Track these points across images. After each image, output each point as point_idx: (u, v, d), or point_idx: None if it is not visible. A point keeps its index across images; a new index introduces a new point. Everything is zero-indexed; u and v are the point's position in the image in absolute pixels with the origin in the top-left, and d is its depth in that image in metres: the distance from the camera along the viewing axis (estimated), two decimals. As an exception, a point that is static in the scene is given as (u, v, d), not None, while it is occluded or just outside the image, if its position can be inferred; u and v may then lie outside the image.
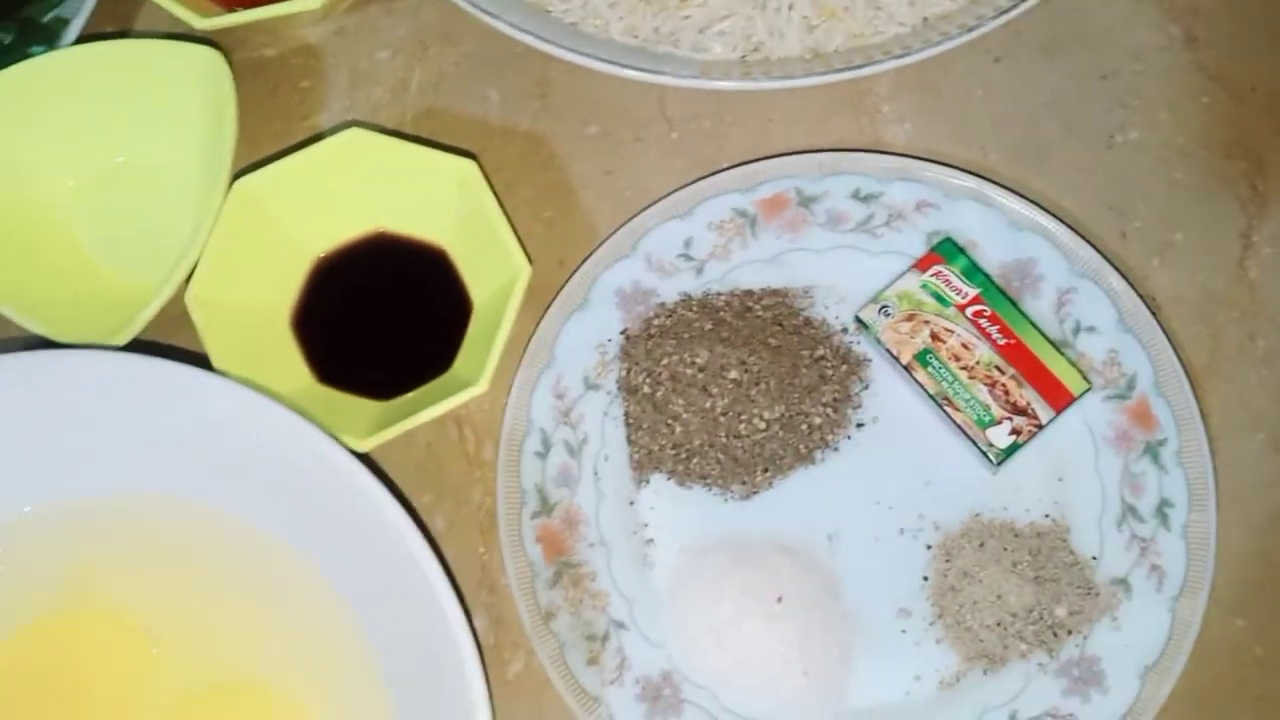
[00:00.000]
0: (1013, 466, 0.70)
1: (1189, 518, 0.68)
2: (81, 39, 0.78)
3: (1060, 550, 0.68)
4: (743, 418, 0.70)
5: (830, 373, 0.72)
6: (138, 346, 0.69)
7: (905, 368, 0.71)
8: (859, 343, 0.73)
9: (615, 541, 0.70)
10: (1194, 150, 0.78)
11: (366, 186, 0.74)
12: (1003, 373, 0.70)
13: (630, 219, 0.75)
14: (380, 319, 0.75)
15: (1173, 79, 0.79)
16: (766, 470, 0.71)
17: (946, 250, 0.72)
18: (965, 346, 0.70)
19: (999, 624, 0.67)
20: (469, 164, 0.73)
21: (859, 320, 0.72)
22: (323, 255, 0.76)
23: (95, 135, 0.78)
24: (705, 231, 0.75)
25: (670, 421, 0.71)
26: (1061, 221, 0.73)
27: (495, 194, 0.72)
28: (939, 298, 0.71)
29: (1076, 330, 0.72)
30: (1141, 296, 0.72)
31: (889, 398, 0.72)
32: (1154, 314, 0.72)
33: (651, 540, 0.71)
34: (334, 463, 0.65)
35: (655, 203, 0.75)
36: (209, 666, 0.68)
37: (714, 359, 0.71)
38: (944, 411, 0.70)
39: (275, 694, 0.68)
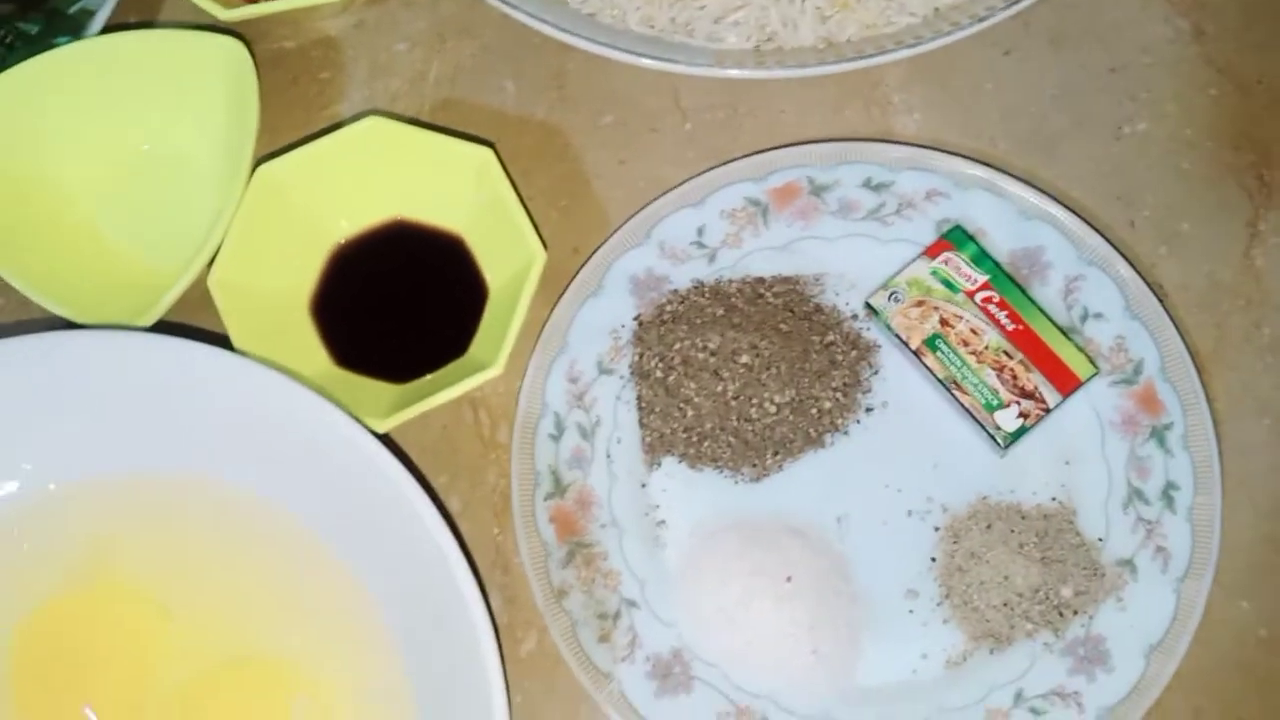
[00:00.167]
0: (1020, 450, 0.70)
1: (1194, 501, 0.69)
2: (106, 30, 0.79)
3: (1066, 532, 0.69)
4: (753, 402, 0.71)
5: (840, 358, 0.73)
6: (160, 329, 0.70)
7: (914, 353, 0.71)
8: (869, 328, 0.74)
9: (627, 522, 0.71)
10: (1201, 142, 0.78)
11: (385, 174, 0.75)
12: (1011, 358, 0.71)
13: (644, 207, 0.76)
14: (398, 304, 0.76)
15: (1181, 72, 0.80)
16: (777, 453, 0.72)
17: (956, 238, 0.73)
18: (974, 332, 0.71)
19: (1005, 604, 0.68)
20: (486, 152, 0.74)
21: (869, 306, 0.73)
22: (342, 241, 0.77)
23: (120, 124, 0.79)
24: (718, 219, 0.76)
25: (682, 405, 0.72)
26: (1070, 210, 0.74)
27: (512, 182, 0.73)
28: (948, 284, 0.72)
29: (1084, 317, 0.73)
30: (1149, 284, 0.73)
31: (898, 382, 0.73)
32: (1161, 301, 0.72)
33: (663, 521, 0.72)
34: (354, 442, 0.66)
35: (668, 191, 0.76)
36: (226, 642, 0.69)
37: (725, 344, 0.72)
38: (952, 395, 0.71)
39: (291, 670, 0.69)
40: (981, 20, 0.74)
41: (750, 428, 0.71)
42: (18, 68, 0.76)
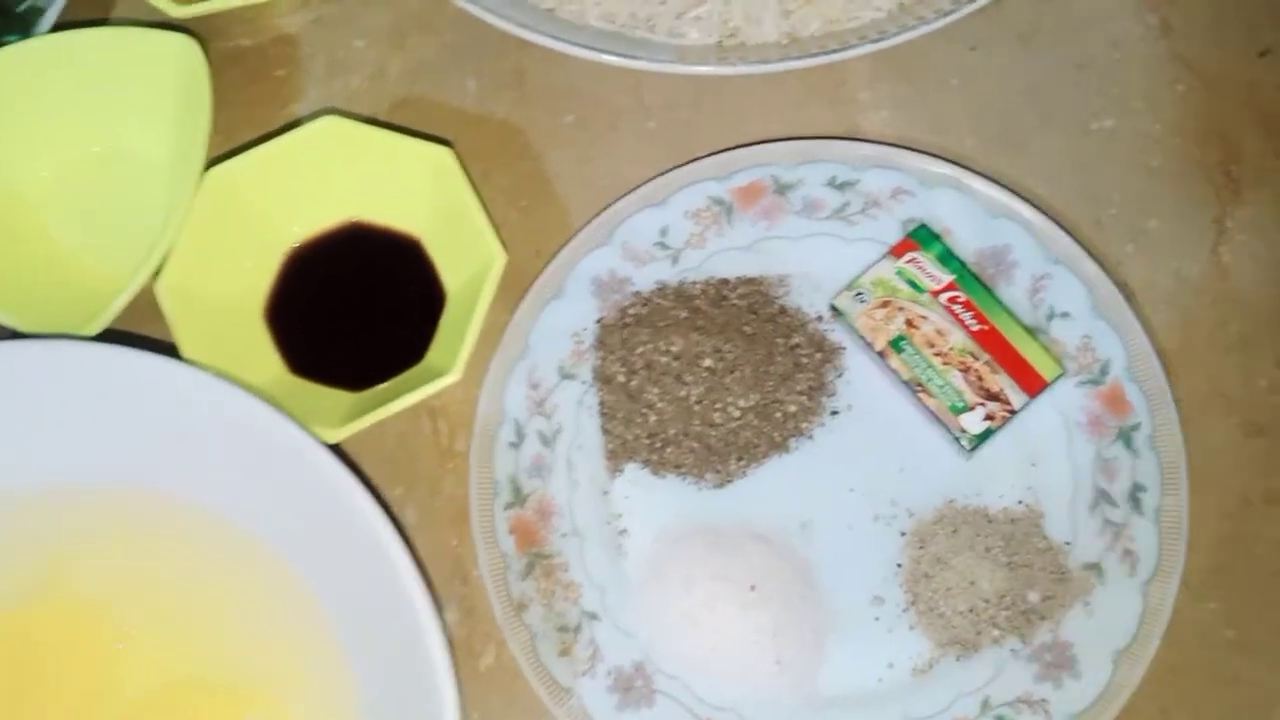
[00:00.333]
0: (986, 452, 0.70)
1: (1161, 502, 0.68)
2: (57, 27, 0.78)
3: (1033, 536, 0.68)
4: (717, 406, 0.70)
5: (805, 360, 0.72)
6: (110, 337, 0.68)
7: (879, 354, 0.71)
8: (834, 330, 0.73)
9: (589, 531, 0.70)
10: (1169, 138, 0.78)
11: (341, 174, 0.74)
12: (976, 359, 0.70)
13: (606, 207, 0.75)
14: (353, 309, 0.75)
15: (1149, 67, 0.79)
16: (741, 459, 0.71)
17: (921, 237, 0.72)
18: (939, 333, 0.70)
19: (972, 610, 0.67)
20: (444, 151, 0.73)
21: (834, 307, 0.72)
22: (296, 245, 0.76)
23: (70, 124, 0.77)
24: (681, 220, 0.75)
25: (645, 410, 0.71)
26: (1036, 208, 0.73)
27: (471, 182, 0.72)
28: (914, 284, 0.71)
29: (1050, 316, 0.72)
30: (1115, 283, 0.72)
31: (863, 385, 0.72)
32: (1128, 300, 0.72)
33: (625, 530, 0.71)
34: (305, 454, 0.64)
35: (631, 191, 0.75)
36: (177, 661, 0.68)
37: (689, 347, 0.71)
38: (918, 398, 0.70)
39: (243, 688, 0.67)
40: (947, 15, 0.73)
41: (714, 433, 0.70)
42: (-37, 67, 0.74)
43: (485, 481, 0.70)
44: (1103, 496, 0.69)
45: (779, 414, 0.71)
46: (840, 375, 0.72)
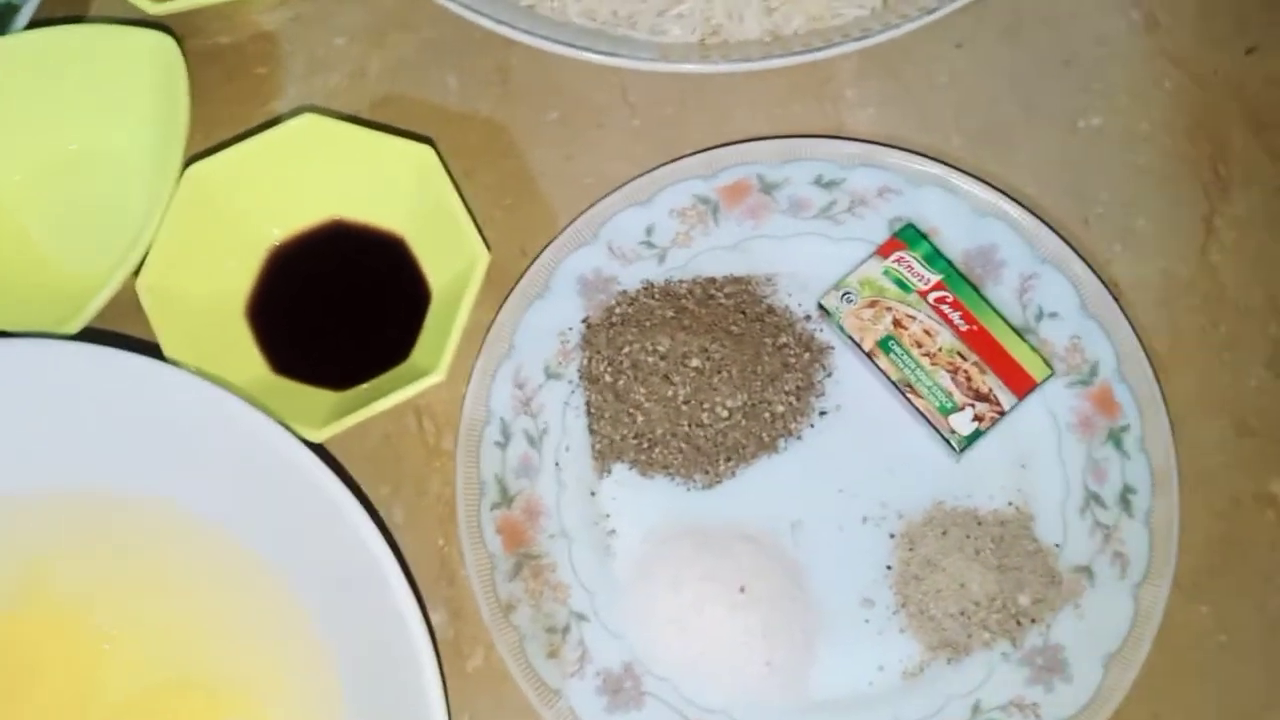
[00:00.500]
0: (975, 454, 0.69)
1: (1152, 504, 0.68)
2: (32, 24, 0.77)
3: (1023, 538, 0.68)
4: (705, 406, 0.70)
5: (793, 360, 0.71)
6: (89, 336, 0.68)
7: (868, 354, 0.70)
8: (821, 330, 0.73)
9: (576, 532, 0.70)
10: (1156, 135, 0.77)
11: (323, 173, 0.73)
12: (965, 359, 0.69)
13: (591, 205, 0.74)
14: (336, 308, 0.74)
15: (1135, 64, 0.79)
16: (729, 459, 0.70)
17: (909, 236, 0.72)
18: (927, 333, 0.70)
19: (962, 613, 0.66)
20: (427, 150, 0.72)
21: (821, 307, 0.72)
22: (278, 243, 0.75)
23: (46, 122, 0.77)
24: (667, 218, 0.74)
25: (632, 411, 0.70)
26: (1024, 207, 0.73)
27: (454, 181, 0.71)
28: (901, 284, 0.71)
29: (1039, 316, 0.71)
30: (1104, 282, 0.72)
31: (852, 385, 0.72)
32: (1116, 300, 0.71)
33: (613, 531, 0.70)
34: (287, 454, 0.64)
35: (617, 189, 0.74)
36: (161, 664, 0.67)
37: (676, 347, 0.70)
38: (906, 398, 0.69)
39: (227, 691, 0.66)
40: (931, 12, 0.72)
41: (702, 433, 0.70)
42: (-62, 65, 0.73)
43: (472, 481, 0.70)
44: (1093, 498, 0.68)
45: (767, 414, 0.70)
46: (828, 375, 0.72)
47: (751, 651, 0.67)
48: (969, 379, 0.69)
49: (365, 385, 0.71)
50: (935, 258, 0.71)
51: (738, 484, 0.70)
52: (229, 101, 0.80)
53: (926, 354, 0.69)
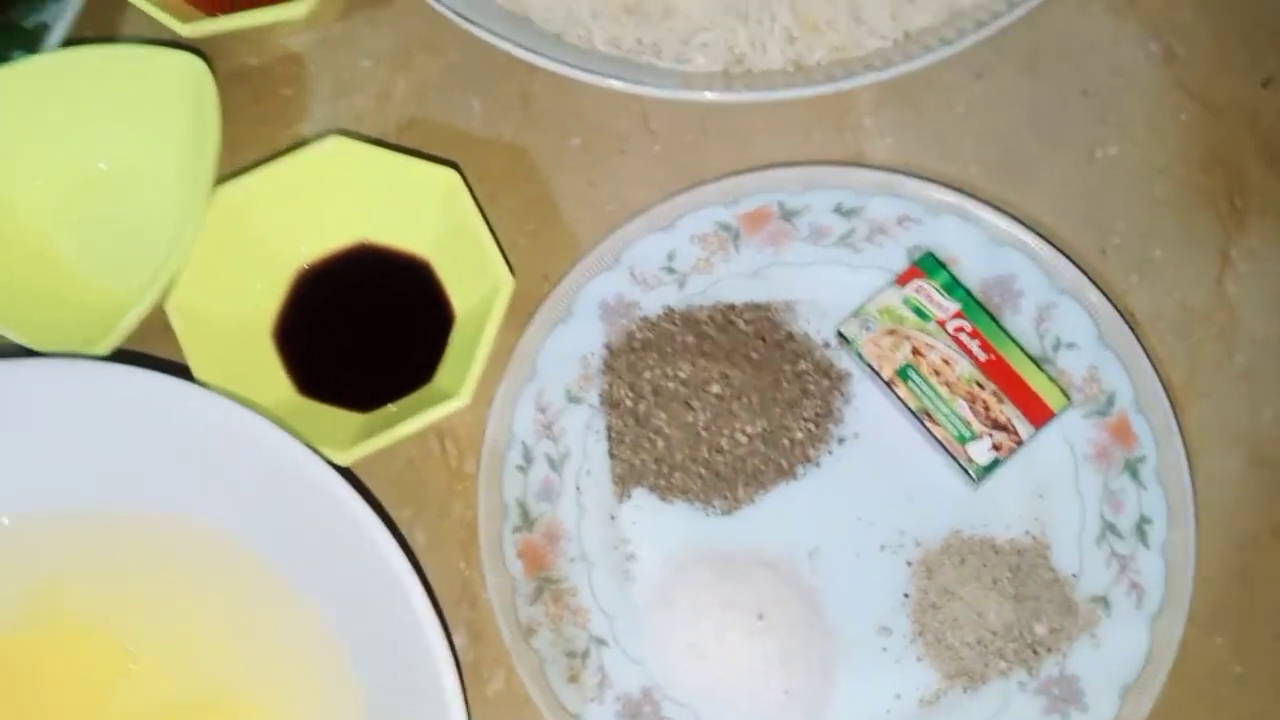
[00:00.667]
0: (993, 483, 0.70)
1: (1168, 535, 0.68)
2: (64, 45, 0.78)
3: (1040, 567, 0.68)
4: (724, 432, 0.70)
5: (812, 387, 0.72)
6: (119, 356, 0.69)
7: (886, 383, 0.71)
8: (840, 357, 0.73)
9: (596, 556, 0.70)
10: (1173, 166, 0.78)
11: (350, 196, 0.74)
12: (983, 388, 0.70)
13: (613, 231, 0.75)
14: (362, 330, 0.75)
15: (1153, 95, 0.79)
16: (748, 485, 0.71)
17: (927, 265, 0.72)
18: (946, 362, 0.71)
19: (979, 641, 0.67)
20: (452, 174, 0.72)
21: (840, 335, 0.72)
22: (305, 265, 0.76)
23: (77, 142, 0.77)
24: (688, 244, 0.75)
25: (652, 436, 0.71)
26: (1041, 237, 0.74)
27: (478, 205, 0.72)
28: (920, 312, 0.72)
29: (1056, 346, 0.72)
30: (1121, 313, 0.72)
31: (870, 413, 0.72)
32: (1133, 330, 0.72)
33: (633, 555, 0.71)
34: (314, 476, 0.65)
35: (638, 215, 0.75)
36: (185, 683, 0.68)
37: (696, 373, 0.71)
38: (925, 427, 0.70)
39: (251, 711, 0.67)
40: (951, 44, 0.73)
41: (721, 459, 0.71)
42: (-29, 83, 0.74)
43: (494, 504, 0.70)
44: (1109, 529, 0.69)
45: (786, 441, 0.71)
46: (847, 402, 0.73)
47: (770, 679, 0.67)
48: (987, 408, 0.70)
49: (389, 408, 0.72)
50: (954, 287, 0.72)
51: (756, 510, 0.71)
52: (255, 122, 0.80)
53: (945, 383, 0.70)
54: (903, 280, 0.72)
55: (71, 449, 0.68)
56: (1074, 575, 0.69)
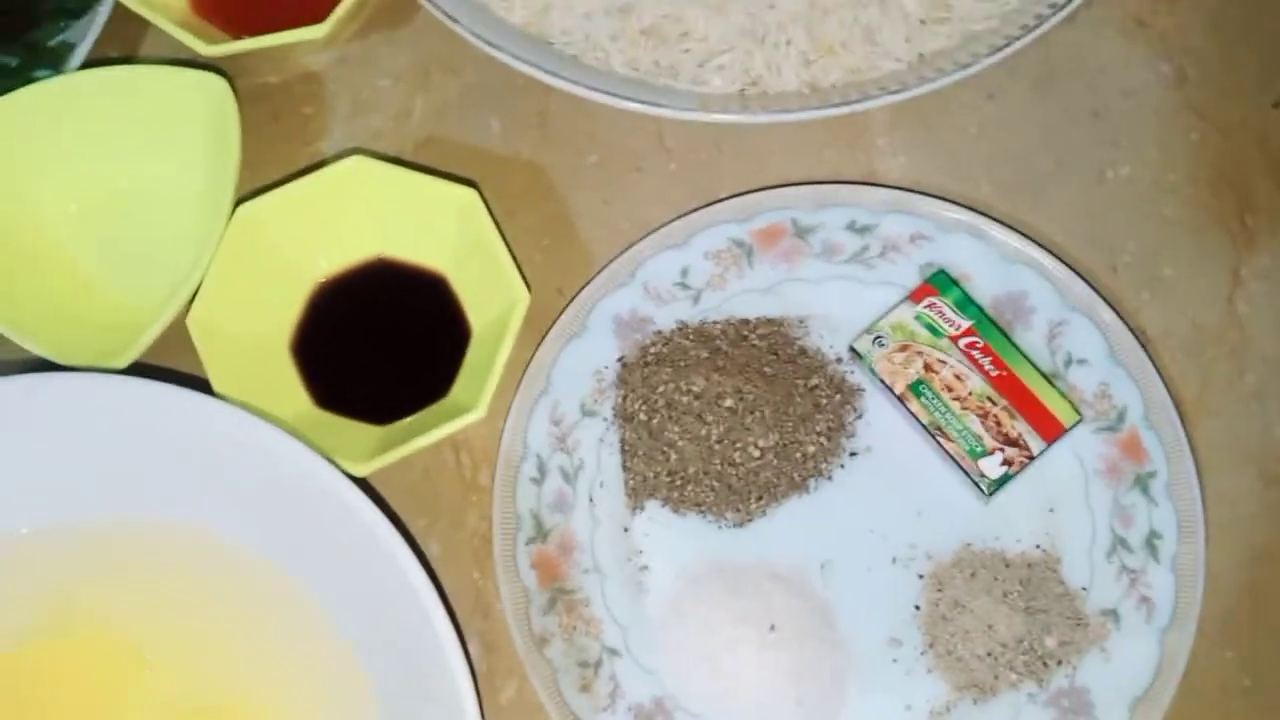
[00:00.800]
0: (1004, 497, 0.70)
1: (1178, 550, 0.69)
2: (87, 64, 0.79)
3: (1050, 581, 0.69)
4: (737, 446, 0.71)
5: (824, 402, 0.73)
6: (138, 369, 0.69)
7: (899, 398, 0.71)
8: (853, 372, 0.74)
9: (610, 568, 0.71)
10: (1183, 186, 0.78)
11: (368, 213, 0.75)
12: (995, 404, 0.70)
13: (628, 248, 0.76)
14: (379, 344, 0.75)
15: (1163, 116, 0.80)
16: (761, 498, 0.71)
17: (940, 282, 0.73)
18: (958, 377, 0.71)
19: (990, 654, 0.67)
20: (470, 192, 0.73)
21: (853, 350, 0.73)
22: (323, 280, 0.76)
23: (99, 159, 0.78)
24: (702, 261, 0.76)
25: (666, 449, 0.72)
26: (1053, 255, 0.74)
27: (495, 222, 0.73)
28: (932, 329, 0.72)
29: (1068, 363, 0.72)
30: (1132, 330, 0.73)
31: (882, 427, 0.73)
32: (1144, 348, 0.72)
33: (646, 567, 0.71)
34: (332, 488, 0.65)
35: (653, 232, 0.76)
36: (201, 691, 0.68)
37: (710, 387, 0.72)
38: (936, 442, 0.70)
39: (265, 718, 0.68)
40: (966, 68, 0.73)
41: (734, 472, 0.71)
42: (-5, 101, 0.75)
43: (508, 516, 0.71)
44: (1120, 543, 0.69)
45: (798, 454, 0.72)
46: (859, 417, 0.73)
47: (781, 690, 0.68)
48: (999, 423, 0.70)
49: (406, 421, 0.73)
50: (966, 304, 0.72)
51: (768, 523, 0.72)
52: (275, 140, 0.81)
53: (957, 398, 0.71)
54: (916, 297, 0.73)
55: (91, 461, 0.69)
56: (1084, 589, 0.69)
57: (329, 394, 0.74)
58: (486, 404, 0.68)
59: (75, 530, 0.70)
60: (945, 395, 0.71)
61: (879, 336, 0.72)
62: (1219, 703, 0.69)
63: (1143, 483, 0.70)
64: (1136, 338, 0.72)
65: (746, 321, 0.75)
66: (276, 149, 0.81)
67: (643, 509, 0.72)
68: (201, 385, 0.69)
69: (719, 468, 0.71)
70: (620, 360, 0.74)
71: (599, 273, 0.75)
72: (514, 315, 0.70)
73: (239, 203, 0.73)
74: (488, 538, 0.72)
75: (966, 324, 0.72)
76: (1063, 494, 0.71)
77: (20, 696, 0.69)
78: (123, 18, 0.78)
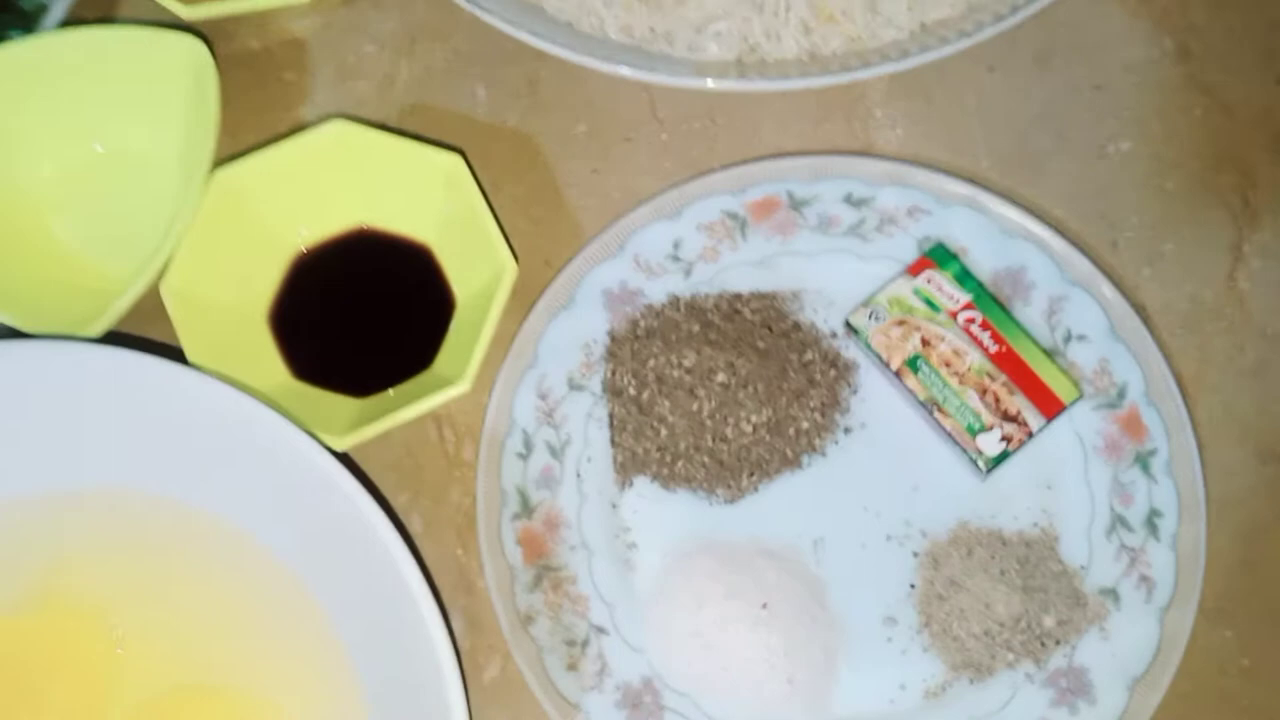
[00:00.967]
0: (1002, 474, 0.69)
1: (1178, 528, 0.67)
2: (63, 25, 0.77)
3: (1049, 559, 0.67)
4: (729, 421, 0.69)
5: (818, 377, 0.71)
6: (112, 338, 0.68)
7: (895, 373, 0.70)
8: (848, 347, 0.73)
9: (597, 545, 0.69)
10: (1185, 162, 0.77)
11: (350, 180, 0.73)
12: (993, 380, 0.69)
13: (619, 219, 0.74)
14: (361, 315, 0.74)
15: (1165, 91, 0.79)
16: (752, 474, 0.70)
17: (939, 255, 0.72)
18: (956, 353, 0.70)
19: (986, 633, 0.66)
20: (456, 159, 0.72)
21: (848, 325, 0.71)
22: (304, 249, 0.75)
23: (74, 123, 0.76)
24: (694, 233, 0.74)
25: (655, 424, 0.70)
26: (1053, 229, 0.73)
27: (482, 191, 0.71)
28: (930, 303, 0.71)
29: (1067, 338, 0.71)
30: (1132, 306, 0.71)
31: (877, 403, 0.72)
32: (1145, 323, 0.71)
33: (634, 544, 0.70)
34: (310, 460, 0.64)
35: (644, 203, 0.74)
36: (176, 668, 0.67)
37: (701, 361, 0.70)
38: (933, 418, 0.69)
39: (244, 695, 0.66)
40: (968, 36, 0.72)
41: (725, 448, 0.69)
42: (-33, 63, 0.73)
43: (492, 491, 0.69)
44: (1119, 521, 0.68)
45: (792, 430, 0.70)
46: (854, 392, 0.72)
47: (773, 669, 0.66)
48: (997, 400, 0.69)
49: (387, 393, 0.71)
50: (965, 278, 0.71)
51: (760, 499, 0.70)
52: (256, 107, 0.80)
53: (955, 374, 0.69)
54: (914, 270, 0.72)
55: (63, 431, 0.67)
56: (1083, 567, 0.68)
57: (307, 365, 0.72)
58: (472, 377, 0.67)
59: (47, 502, 0.68)
60: (943, 370, 0.69)
61: (875, 310, 0.71)
62: (1218, 682, 0.68)
63: (1143, 460, 0.69)
64: (1137, 313, 0.71)
65: (739, 295, 0.73)
66: (257, 115, 0.80)
67: (632, 485, 0.70)
68: (177, 355, 0.67)
69: (710, 443, 0.70)
70: (609, 334, 0.73)
71: (588, 244, 0.74)
72: (501, 287, 0.68)
73: (216, 167, 0.71)
74: (471, 514, 0.70)
75: (965, 298, 0.71)
76: (1061, 471, 0.69)
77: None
78: (99, -22, 0.77)
